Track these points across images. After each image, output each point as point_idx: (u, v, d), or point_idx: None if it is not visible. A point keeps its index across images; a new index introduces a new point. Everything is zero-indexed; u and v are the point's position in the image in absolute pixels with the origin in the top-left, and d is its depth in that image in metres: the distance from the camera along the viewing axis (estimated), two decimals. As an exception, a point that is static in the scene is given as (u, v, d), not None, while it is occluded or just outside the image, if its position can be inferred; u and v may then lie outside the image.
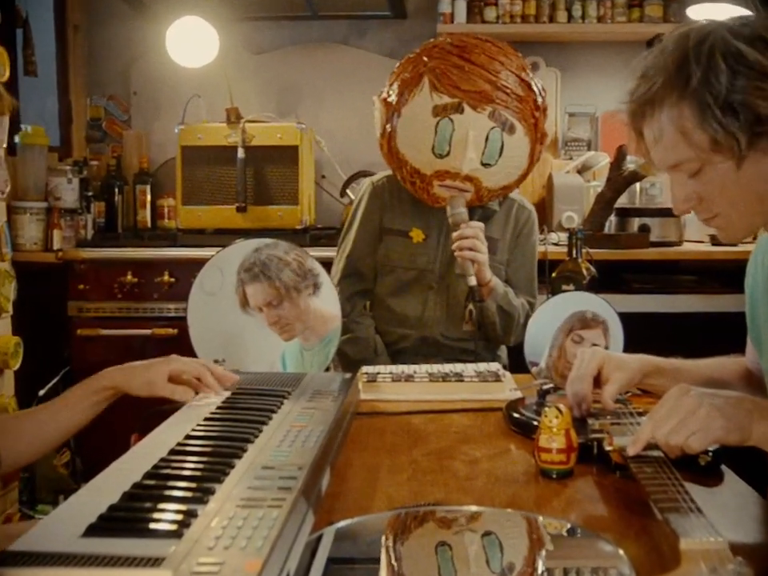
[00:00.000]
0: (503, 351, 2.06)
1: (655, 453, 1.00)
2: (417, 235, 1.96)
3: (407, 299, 1.98)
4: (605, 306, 1.60)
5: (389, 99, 1.92)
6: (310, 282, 1.66)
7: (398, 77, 1.92)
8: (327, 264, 1.73)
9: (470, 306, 1.95)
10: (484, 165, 1.86)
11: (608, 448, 1.05)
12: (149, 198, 3.24)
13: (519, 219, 2.03)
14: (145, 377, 1.27)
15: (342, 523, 0.84)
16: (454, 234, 1.84)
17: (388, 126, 1.92)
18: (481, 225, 1.87)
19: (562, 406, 1.08)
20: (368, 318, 2.01)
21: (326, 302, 1.67)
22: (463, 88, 1.83)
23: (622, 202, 2.96)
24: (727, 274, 2.69)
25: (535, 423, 1.17)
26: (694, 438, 0.97)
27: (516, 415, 1.30)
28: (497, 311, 1.91)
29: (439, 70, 1.84)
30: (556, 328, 1.61)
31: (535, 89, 1.89)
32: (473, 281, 1.82)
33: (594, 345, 1.54)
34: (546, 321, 1.62)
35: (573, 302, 1.63)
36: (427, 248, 1.96)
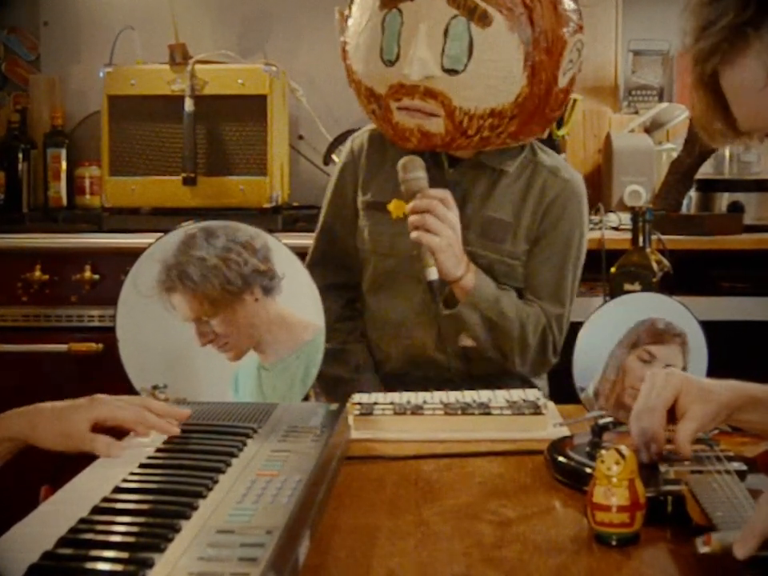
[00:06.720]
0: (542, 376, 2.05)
1: None
2: (397, 207, 1.84)
3: (386, 297, 1.95)
4: (682, 313, 1.61)
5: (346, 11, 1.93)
6: (267, 277, 1.66)
7: None
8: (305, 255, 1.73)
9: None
10: (448, 71, 1.77)
11: (703, 550, 0.95)
12: (64, 166, 3.23)
13: (546, 193, 1.92)
14: (58, 427, 1.26)
15: (325, 607, 0.85)
16: (407, 208, 1.77)
17: (342, 38, 1.92)
18: (443, 193, 1.78)
19: (624, 448, 1.08)
20: (351, 323, 1.99)
21: (294, 302, 1.67)
22: None
23: (705, 171, 2.96)
24: None
25: (588, 471, 1.17)
26: None
27: (562, 460, 1.31)
28: (480, 323, 1.84)
29: None
30: (615, 341, 1.61)
31: None
32: (432, 273, 1.75)
33: (668, 366, 1.54)
34: (602, 332, 1.63)
35: (639, 306, 1.64)
36: None
